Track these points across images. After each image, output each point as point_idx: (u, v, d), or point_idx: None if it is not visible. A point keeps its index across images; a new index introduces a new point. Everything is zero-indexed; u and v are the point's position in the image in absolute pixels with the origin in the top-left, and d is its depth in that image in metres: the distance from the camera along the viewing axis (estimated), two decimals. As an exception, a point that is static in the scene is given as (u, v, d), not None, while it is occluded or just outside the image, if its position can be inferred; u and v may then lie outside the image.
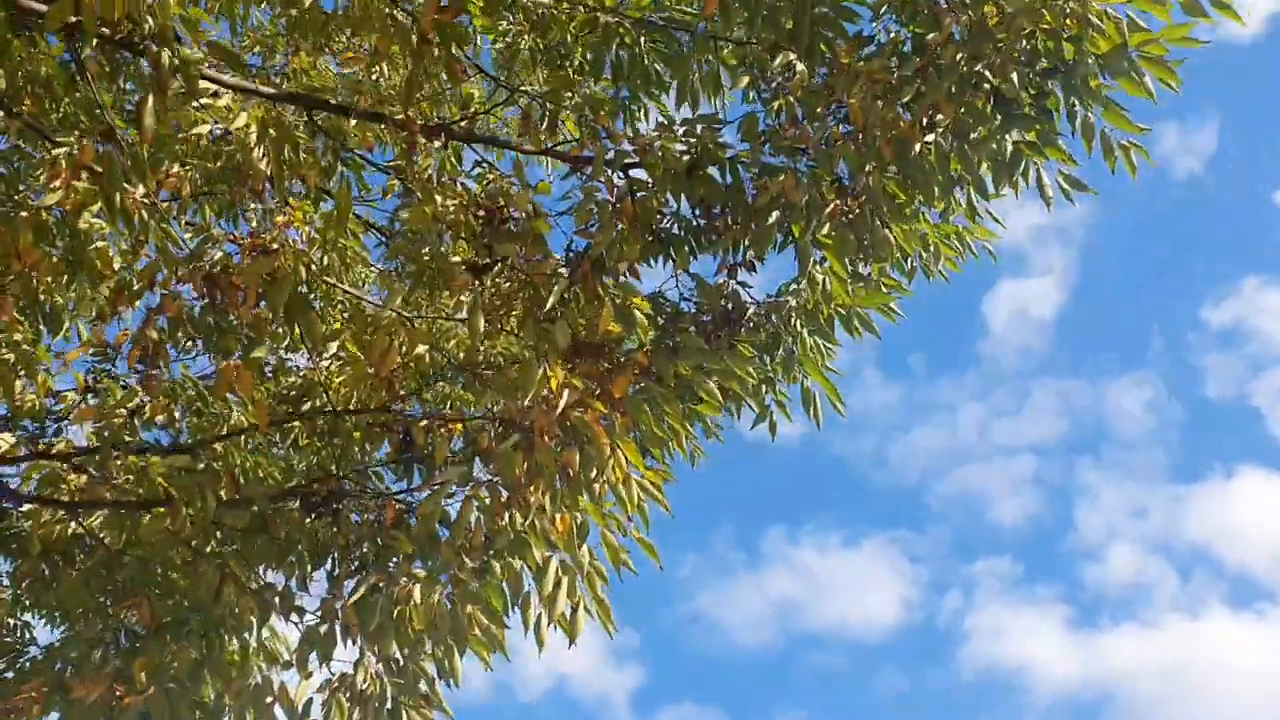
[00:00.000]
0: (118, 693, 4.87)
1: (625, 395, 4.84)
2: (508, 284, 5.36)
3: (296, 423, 6.39)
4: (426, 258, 5.20)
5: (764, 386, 5.78)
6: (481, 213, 5.25)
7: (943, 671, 28.63)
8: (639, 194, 5.01)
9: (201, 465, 4.82)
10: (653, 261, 5.82)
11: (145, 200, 4.89)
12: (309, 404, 6.66)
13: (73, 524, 5.03)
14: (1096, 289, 30.54)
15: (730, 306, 5.72)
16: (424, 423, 5.57)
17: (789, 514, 30.85)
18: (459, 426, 5.45)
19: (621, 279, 5.18)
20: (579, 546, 4.67)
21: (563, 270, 5.24)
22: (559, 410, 4.39)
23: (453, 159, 5.28)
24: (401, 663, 4.99)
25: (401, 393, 6.11)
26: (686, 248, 5.50)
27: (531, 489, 4.62)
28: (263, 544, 5.46)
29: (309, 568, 5.60)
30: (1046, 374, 30.73)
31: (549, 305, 4.92)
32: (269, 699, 4.98)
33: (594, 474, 4.55)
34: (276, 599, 5.37)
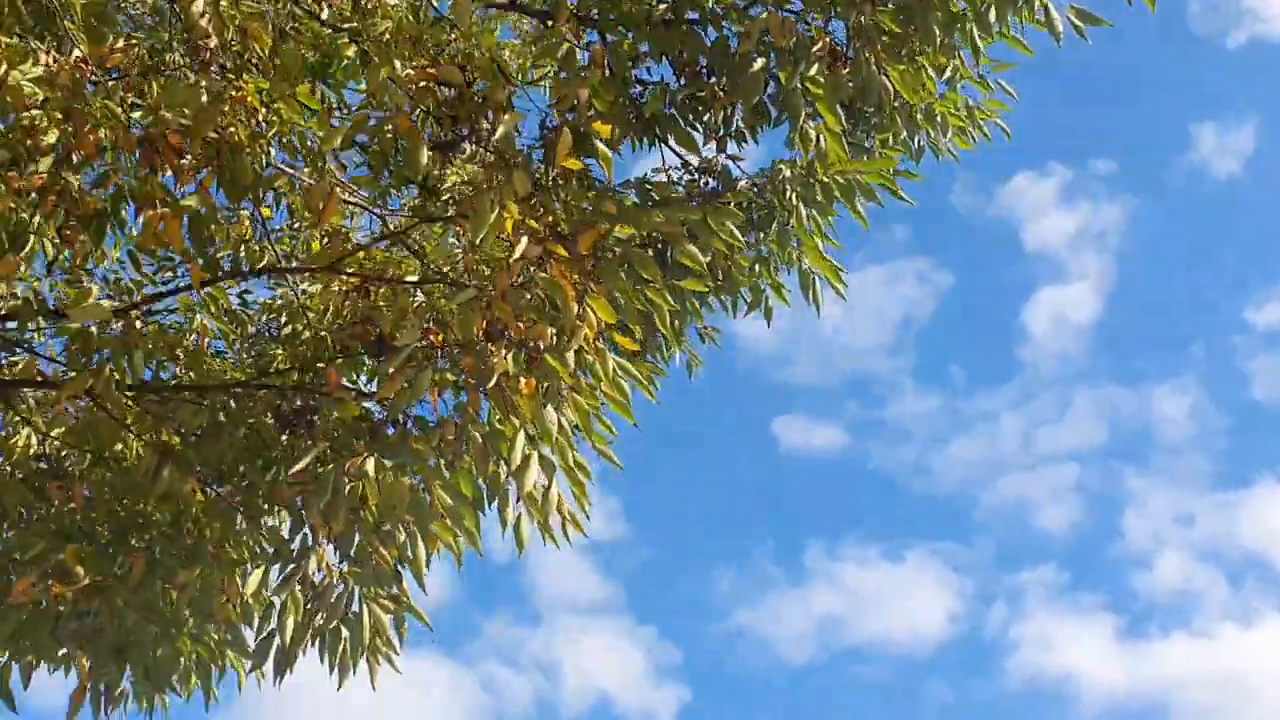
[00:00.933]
0: (53, 589, 4.51)
1: (595, 257, 4.42)
2: (478, 164, 4.98)
3: (279, 352, 6.07)
4: (389, 134, 4.82)
5: (757, 268, 5.35)
6: (445, 83, 4.87)
7: (989, 683, 28.13)
8: (610, 39, 4.60)
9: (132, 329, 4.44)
10: (637, 144, 5.42)
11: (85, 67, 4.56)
12: (288, 329, 6.33)
13: None
14: (1135, 294, 30.10)
15: (718, 180, 5.30)
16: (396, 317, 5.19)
17: (829, 528, 30.50)
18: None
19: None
20: (544, 409, 4.23)
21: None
22: (515, 256, 3.98)
23: (410, 16, 4.89)
24: (357, 548, 4.59)
25: (381, 303, 5.76)
26: (672, 126, 5.10)
27: (494, 351, 4.22)
28: (224, 442, 5.10)
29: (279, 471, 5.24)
30: (1087, 381, 30.24)
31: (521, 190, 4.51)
32: (220, 595, 4.59)
33: (562, 338, 4.14)
34: (237, 498, 5.00)
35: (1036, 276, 31.81)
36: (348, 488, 4.36)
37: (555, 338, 4.30)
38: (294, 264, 6.20)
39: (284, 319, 6.46)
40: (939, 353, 30.42)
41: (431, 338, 4.61)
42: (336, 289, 5.91)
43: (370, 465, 4.33)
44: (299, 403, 5.43)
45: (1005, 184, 30.06)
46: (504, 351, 4.24)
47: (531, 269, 4.11)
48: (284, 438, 5.39)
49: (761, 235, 5.25)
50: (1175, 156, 30.99)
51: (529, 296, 4.29)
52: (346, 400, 4.41)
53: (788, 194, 5.19)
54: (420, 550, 4.59)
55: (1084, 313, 29.58)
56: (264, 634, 5.19)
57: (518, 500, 4.89)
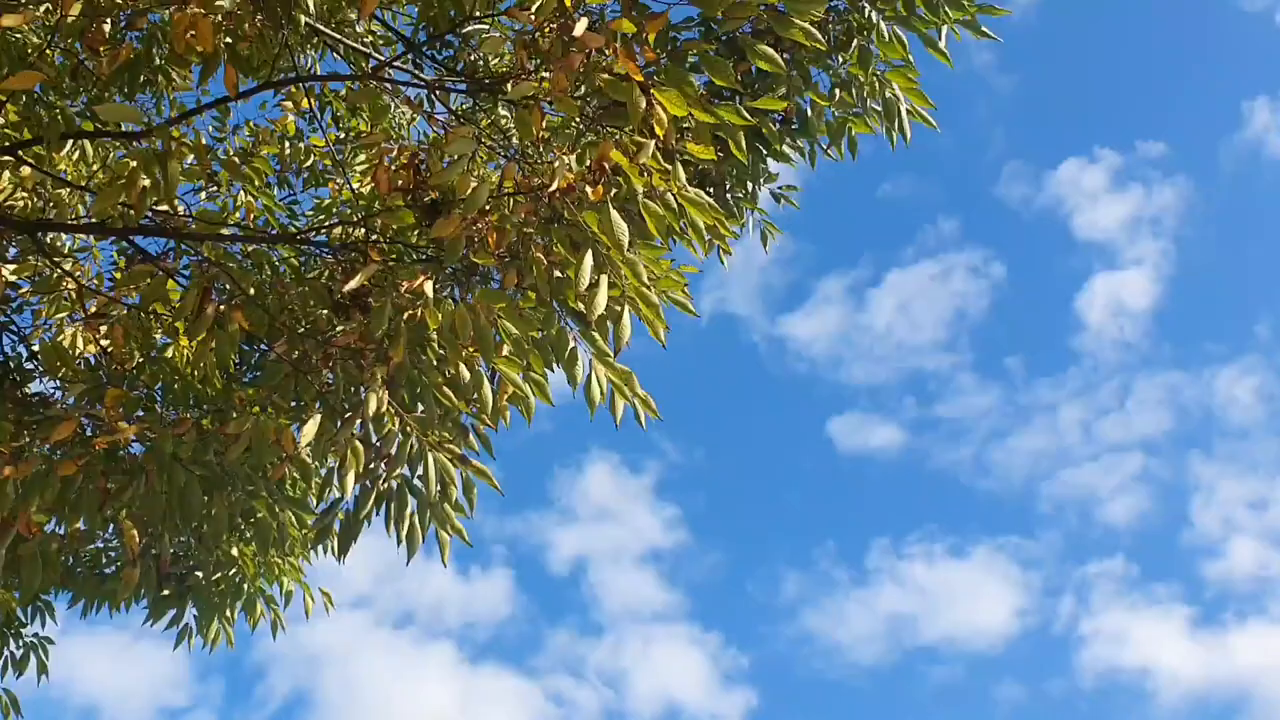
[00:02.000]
0: (96, 443, 4.21)
1: (659, 56, 4.03)
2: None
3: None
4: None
5: (837, 92, 4.92)
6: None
7: (1062, 679, 27.32)
8: None
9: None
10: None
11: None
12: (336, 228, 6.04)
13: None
14: (1193, 277, 29.10)
15: None
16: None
17: (892, 527, 29.91)
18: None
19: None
20: (613, 216, 3.84)
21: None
22: (577, 31, 3.60)
23: None
24: (420, 392, 4.24)
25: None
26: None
27: (559, 151, 3.84)
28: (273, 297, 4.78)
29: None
30: (1148, 368, 29.26)
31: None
32: (273, 447, 4.26)
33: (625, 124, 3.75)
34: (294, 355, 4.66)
35: (1090, 264, 30.90)
36: (405, 314, 4.01)
37: (623, 143, 3.92)
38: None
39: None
40: (994, 346, 29.69)
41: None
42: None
43: (429, 286, 3.97)
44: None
45: (1053, 172, 29.20)
46: (567, 158, 3.86)
47: (591, 54, 3.72)
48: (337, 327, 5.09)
49: (840, 58, 4.82)
50: (1227, 135, 29.92)
51: (589, 96, 3.92)
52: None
53: (867, 11, 4.77)
54: (486, 393, 4.23)
55: (1141, 299, 28.65)
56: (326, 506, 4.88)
57: (589, 358, 4.54)
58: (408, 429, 4.25)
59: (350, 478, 4.29)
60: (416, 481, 4.72)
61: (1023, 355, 29.51)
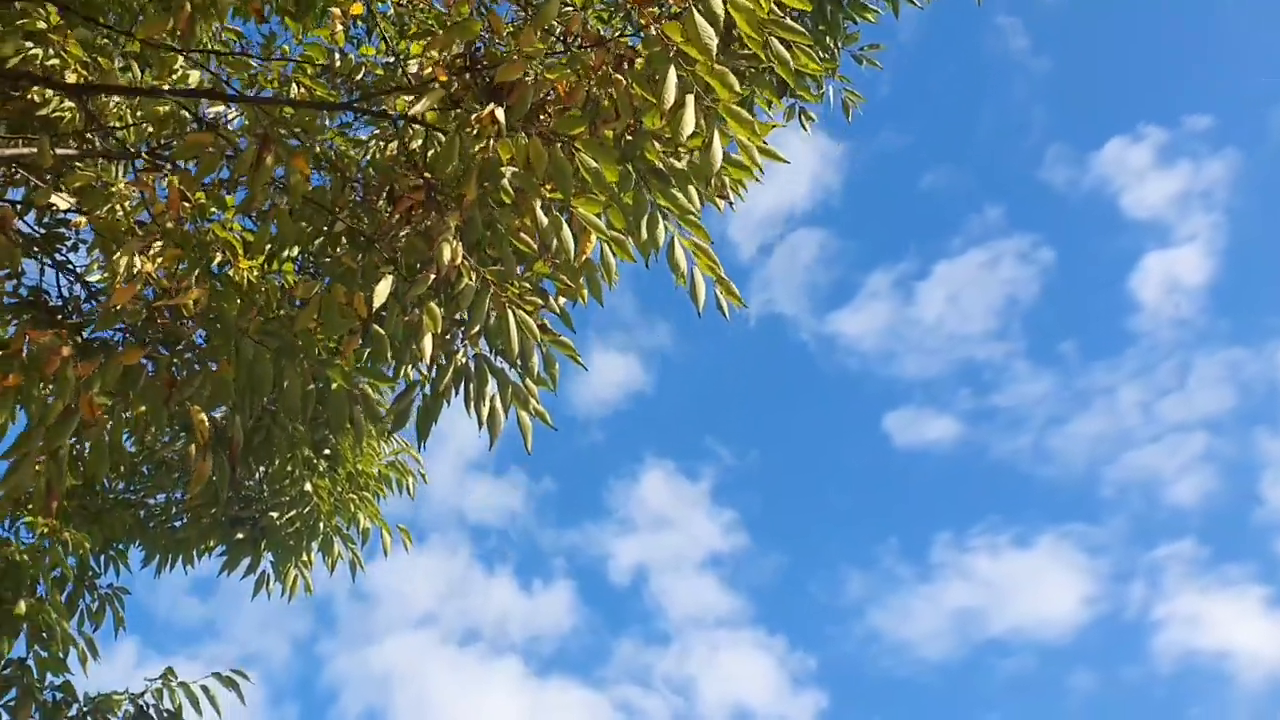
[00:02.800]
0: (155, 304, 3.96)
1: None
2: None
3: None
4: None
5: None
6: None
7: (1137, 666, 26.73)
8: None
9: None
10: None
11: None
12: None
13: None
14: (1249, 250, 28.40)
15: None
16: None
17: (953, 520, 29.63)
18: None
19: None
20: (698, 24, 3.51)
21: None
22: None
23: None
24: (494, 241, 3.94)
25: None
26: None
27: None
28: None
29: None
30: (1207, 345, 28.57)
31: None
32: (341, 304, 3.98)
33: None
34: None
35: (1141, 243, 30.27)
36: (476, 149, 3.71)
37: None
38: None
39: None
40: (1048, 331, 29.18)
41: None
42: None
43: (500, 113, 3.68)
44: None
45: (1098, 152, 28.61)
46: None
47: None
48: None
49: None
50: (1276, 104, 29.10)
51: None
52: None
53: None
54: (566, 237, 3.92)
55: (1196, 275, 27.97)
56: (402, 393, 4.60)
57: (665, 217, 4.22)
58: (485, 280, 3.95)
59: (427, 342, 4.00)
60: (498, 362, 4.45)
61: (1077, 339, 29.08)
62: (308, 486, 6.87)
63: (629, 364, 28.91)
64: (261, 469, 6.95)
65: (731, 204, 4.68)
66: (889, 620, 27.29)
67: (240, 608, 28.01)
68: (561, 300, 4.45)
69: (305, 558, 7.33)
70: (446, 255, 3.81)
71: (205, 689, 5.80)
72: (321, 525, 7.05)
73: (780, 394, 30.22)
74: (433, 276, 3.90)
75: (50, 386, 4.08)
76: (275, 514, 7.07)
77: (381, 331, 4.13)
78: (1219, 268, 28.26)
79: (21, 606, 5.79)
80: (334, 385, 4.03)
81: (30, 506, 6.01)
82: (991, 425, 28.73)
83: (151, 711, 5.71)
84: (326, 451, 6.85)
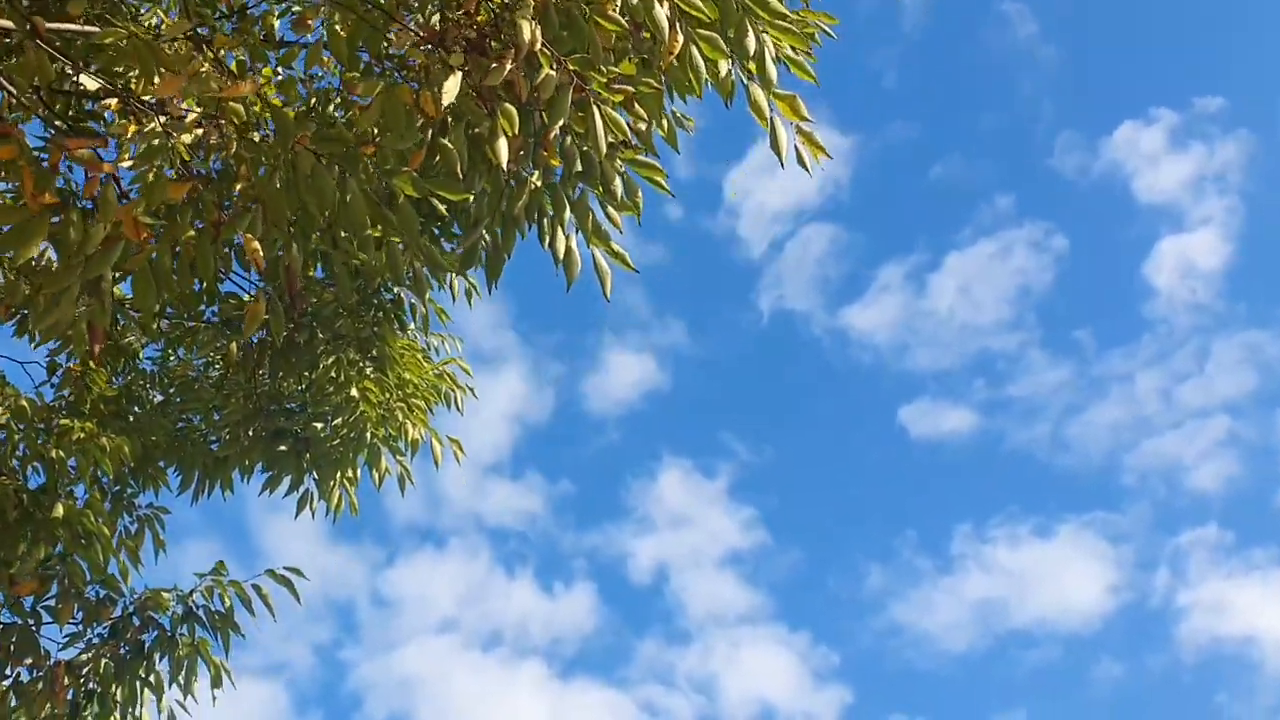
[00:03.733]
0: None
1: None
2: None
3: None
4: None
5: None
6: None
7: (1163, 654, 26.55)
8: None
9: None
10: None
11: None
12: None
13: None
14: (1265, 233, 28.30)
15: None
16: None
17: (973, 511, 29.51)
18: None
19: None
20: None
21: None
22: None
23: None
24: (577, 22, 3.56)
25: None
26: None
27: None
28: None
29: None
30: (1225, 329, 28.39)
31: None
32: (407, 108, 3.60)
33: None
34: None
35: (1155, 228, 30.02)
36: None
37: None
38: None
39: None
40: (1063, 320, 29.01)
41: None
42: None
43: None
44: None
45: (1108, 138, 28.43)
46: None
47: None
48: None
49: None
50: None
51: None
52: None
53: None
54: (660, 15, 3.53)
55: (1212, 259, 27.76)
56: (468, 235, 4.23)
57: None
58: (567, 70, 3.58)
59: (502, 145, 3.62)
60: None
61: (1093, 327, 29.02)
62: (353, 391, 6.51)
63: (644, 363, 28.88)
64: (306, 375, 6.61)
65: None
66: (910, 613, 27.18)
67: (263, 615, 27.89)
68: (640, 117, 4.08)
69: (351, 473, 6.97)
70: (526, 34, 3.44)
71: (257, 588, 5.43)
72: (369, 435, 6.68)
73: (795, 389, 30.32)
74: (509, 65, 3.53)
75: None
76: (319, 424, 6.71)
77: (449, 145, 3.77)
78: (1235, 251, 28.14)
79: (59, 509, 5.43)
80: (400, 198, 3.65)
81: (69, 396, 5.67)
82: (1008, 415, 28.60)
83: (200, 612, 5.34)
84: (373, 353, 6.48)
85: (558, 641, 27.13)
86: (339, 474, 6.93)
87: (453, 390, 7.24)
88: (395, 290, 6.36)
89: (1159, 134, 28.09)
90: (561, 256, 4.16)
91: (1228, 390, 27.90)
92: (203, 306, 6.24)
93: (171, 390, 6.74)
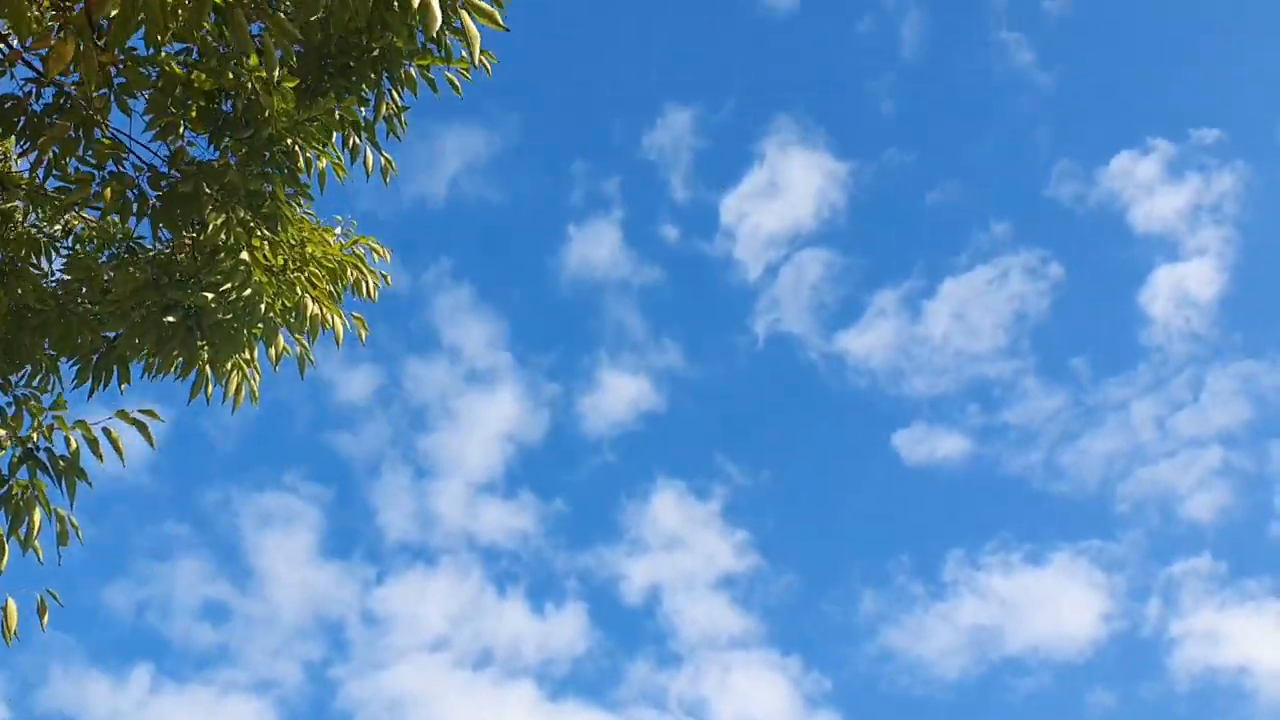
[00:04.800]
0: None
1: None
2: None
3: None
4: None
5: None
6: None
7: (1156, 683, 26.30)
8: None
9: None
10: None
11: None
12: None
13: None
14: (1260, 263, 28.51)
15: None
16: None
17: (966, 538, 29.55)
18: None
19: None
20: None
21: None
22: None
23: None
24: None
25: None
26: None
27: None
28: None
29: None
30: (1220, 359, 28.35)
31: None
32: None
33: None
34: None
35: (1151, 257, 29.96)
36: None
37: None
38: None
39: None
40: (1058, 347, 28.94)
41: None
42: None
43: None
44: None
45: (1105, 167, 28.42)
46: None
47: None
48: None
49: None
50: None
51: None
52: None
53: None
54: None
55: (1207, 289, 27.67)
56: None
57: None
58: None
59: None
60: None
61: (1088, 355, 29.00)
62: (244, 255, 6.02)
63: (639, 384, 28.69)
64: (194, 235, 6.13)
65: None
66: (903, 639, 26.79)
67: (252, 633, 27.40)
68: None
69: (248, 354, 6.48)
70: None
71: (107, 431, 4.92)
72: (263, 307, 6.18)
73: (790, 413, 30.28)
74: None
75: None
76: (209, 294, 6.21)
77: None
78: (1230, 281, 28.10)
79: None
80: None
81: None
82: (1003, 442, 28.43)
83: (42, 455, 4.83)
84: (264, 211, 5.99)
85: (549, 662, 26.61)
86: (235, 356, 6.44)
87: (363, 276, 6.76)
88: (288, 140, 5.88)
89: (1155, 164, 27.98)
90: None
91: (1222, 420, 27.60)
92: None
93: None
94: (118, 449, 4.90)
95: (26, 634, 4.80)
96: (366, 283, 6.79)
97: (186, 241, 6.32)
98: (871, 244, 30.40)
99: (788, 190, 29.77)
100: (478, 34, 4.64)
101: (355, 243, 6.65)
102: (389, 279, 6.88)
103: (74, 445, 4.88)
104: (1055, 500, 28.50)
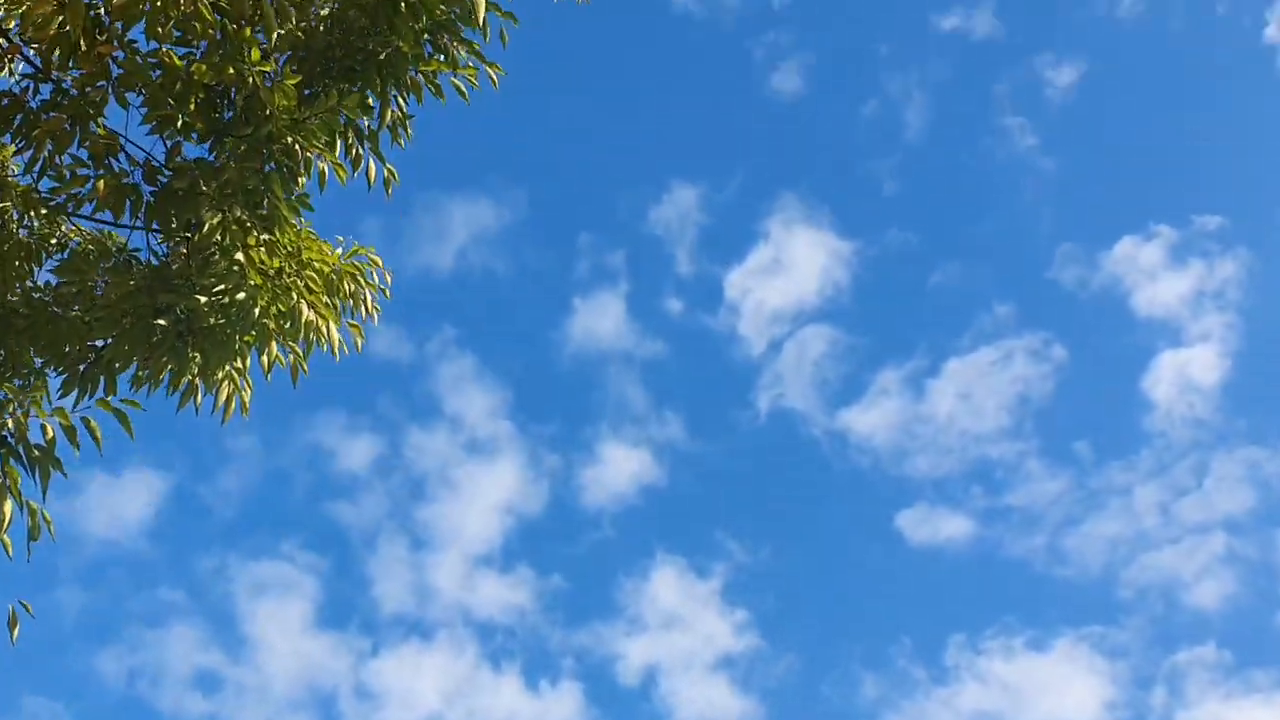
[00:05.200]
0: None
1: None
2: None
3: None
4: None
5: None
6: None
7: None
8: None
9: None
10: None
11: None
12: None
13: None
14: (1263, 350, 28.51)
15: None
16: None
17: (968, 621, 29.22)
18: None
19: None
20: None
21: None
22: None
23: None
24: None
25: None
26: None
27: None
28: None
29: None
30: (1224, 444, 28.25)
31: None
32: None
33: None
34: None
35: (1154, 342, 30.00)
36: None
37: None
38: None
39: None
40: (1061, 430, 28.81)
41: None
42: None
43: None
44: None
45: (1108, 251, 28.55)
46: None
47: None
48: None
49: None
50: None
51: None
52: None
53: None
54: None
55: (1210, 375, 27.63)
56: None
57: None
58: None
59: None
60: None
61: (1091, 438, 28.85)
62: (239, 256, 5.85)
63: (640, 457, 28.48)
64: (188, 236, 5.97)
65: None
66: None
67: (244, 702, 26.88)
68: None
69: (240, 363, 6.27)
70: None
71: (86, 421, 4.71)
72: (257, 311, 5.99)
73: (792, 490, 30.02)
74: None
75: None
76: (203, 298, 6.03)
77: None
78: (1233, 367, 28.02)
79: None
80: None
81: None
82: (1005, 525, 28.12)
83: (18, 446, 4.61)
84: (262, 211, 5.83)
85: (543, 742, 25.95)
86: (227, 364, 6.23)
87: (360, 289, 6.59)
88: (288, 139, 5.74)
89: (1158, 249, 28.02)
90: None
91: (1227, 506, 27.25)
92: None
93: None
94: (95, 438, 4.69)
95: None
96: (365, 298, 6.62)
97: (183, 251, 6.18)
98: (875, 322, 30.37)
99: (792, 267, 29.76)
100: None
101: (355, 253, 6.49)
102: (388, 293, 6.71)
103: (50, 433, 4.66)
104: (1058, 585, 28.09)
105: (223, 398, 6.34)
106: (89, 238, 6.54)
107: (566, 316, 30.22)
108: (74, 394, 6.40)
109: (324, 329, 6.20)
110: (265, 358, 6.18)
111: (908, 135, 28.95)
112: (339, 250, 6.46)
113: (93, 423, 4.71)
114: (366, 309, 6.62)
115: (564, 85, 29.36)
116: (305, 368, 6.27)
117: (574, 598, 28.13)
